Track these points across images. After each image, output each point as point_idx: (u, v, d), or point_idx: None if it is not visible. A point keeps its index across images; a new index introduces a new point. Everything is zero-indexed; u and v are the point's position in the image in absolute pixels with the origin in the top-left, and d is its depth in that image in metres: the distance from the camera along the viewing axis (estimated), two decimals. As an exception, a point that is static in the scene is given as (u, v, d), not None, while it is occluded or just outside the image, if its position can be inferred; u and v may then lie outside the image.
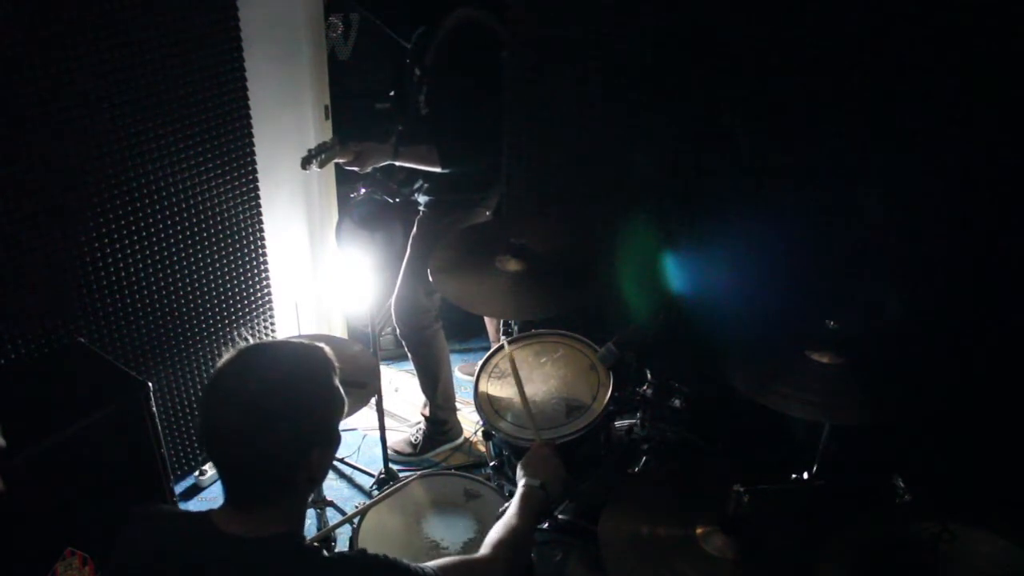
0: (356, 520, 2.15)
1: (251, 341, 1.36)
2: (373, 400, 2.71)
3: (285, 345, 1.40)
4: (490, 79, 2.73)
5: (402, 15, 2.86)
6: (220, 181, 2.90)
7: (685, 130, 2.49)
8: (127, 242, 2.65)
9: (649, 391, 2.34)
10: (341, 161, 2.77)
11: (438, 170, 2.77)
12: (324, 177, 3.42)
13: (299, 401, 1.30)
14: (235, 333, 3.09)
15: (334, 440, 1.38)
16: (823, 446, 2.11)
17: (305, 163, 2.67)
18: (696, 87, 2.42)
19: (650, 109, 2.51)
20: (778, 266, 2.42)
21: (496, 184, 2.95)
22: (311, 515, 2.77)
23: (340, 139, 2.75)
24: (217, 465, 1.35)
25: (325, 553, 1.36)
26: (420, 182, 2.94)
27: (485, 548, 1.61)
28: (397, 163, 2.80)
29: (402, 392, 3.61)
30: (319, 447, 1.33)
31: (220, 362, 1.31)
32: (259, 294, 3.19)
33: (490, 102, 2.76)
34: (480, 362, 2.47)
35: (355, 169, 2.79)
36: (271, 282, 3.21)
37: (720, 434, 2.43)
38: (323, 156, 2.68)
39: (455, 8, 2.71)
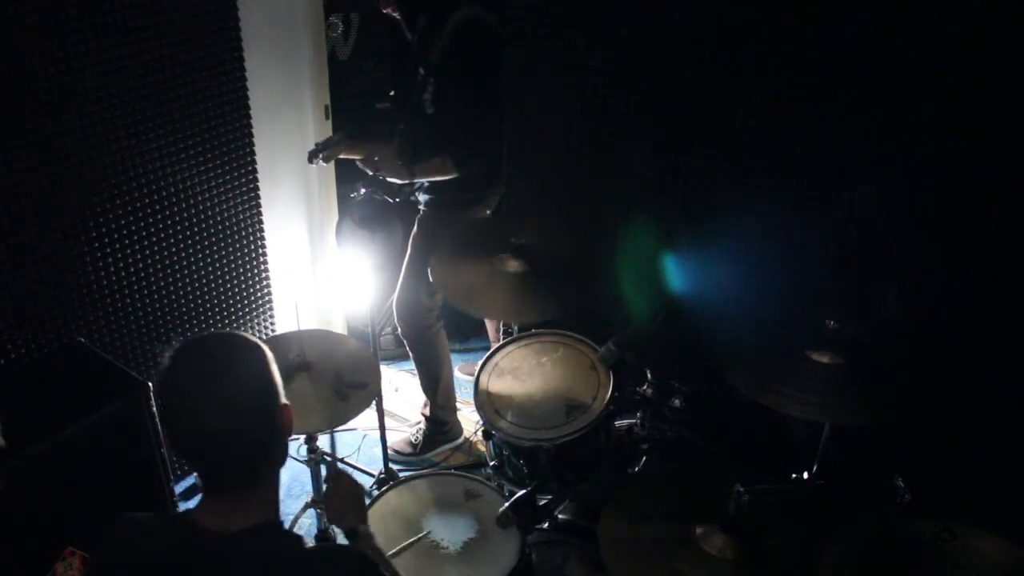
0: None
1: (174, 345, 1.37)
2: (373, 400, 2.71)
3: (209, 336, 1.47)
4: (497, 77, 2.73)
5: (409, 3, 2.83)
6: (220, 181, 2.90)
7: (685, 130, 2.49)
8: (127, 242, 2.65)
9: (649, 391, 2.34)
10: (353, 158, 2.77)
11: (454, 176, 2.77)
12: (324, 177, 3.42)
13: (254, 368, 1.34)
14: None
15: (282, 392, 1.40)
16: (823, 446, 2.11)
17: (312, 157, 2.68)
18: (696, 87, 2.42)
19: (650, 109, 2.51)
20: (778, 266, 2.42)
21: (497, 183, 2.95)
22: (310, 514, 2.77)
23: (346, 134, 2.75)
24: (196, 459, 1.36)
25: (306, 543, 1.40)
26: (421, 181, 2.94)
27: None
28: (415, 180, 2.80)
29: (402, 392, 3.61)
30: (279, 399, 1.36)
31: (166, 368, 1.33)
32: (259, 294, 3.19)
33: (497, 100, 2.76)
34: (480, 362, 2.47)
35: (363, 168, 2.80)
36: (271, 282, 3.21)
37: (720, 434, 2.43)
38: (328, 151, 2.68)
39: (460, 7, 2.70)
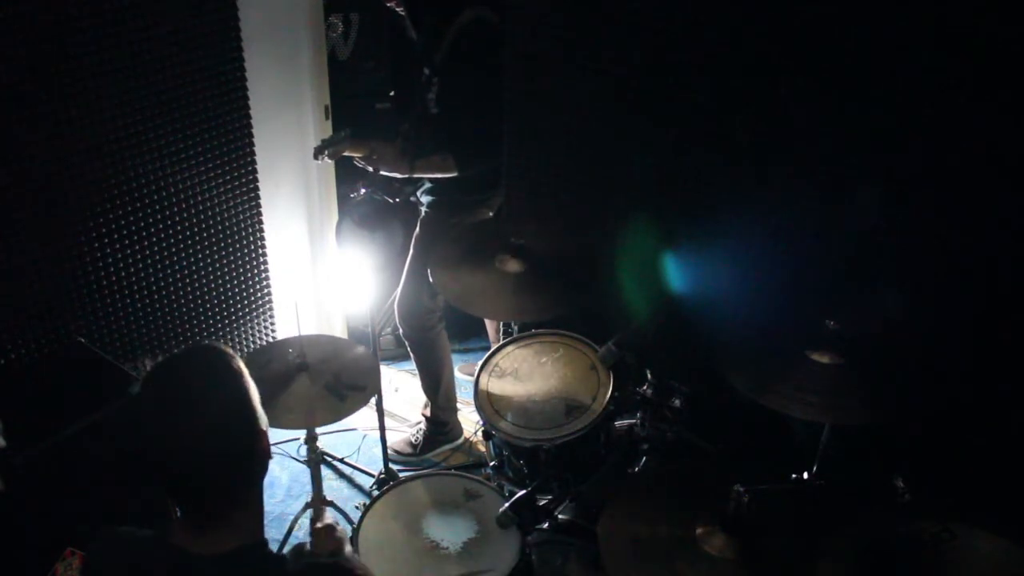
0: (357, 521, 2.16)
1: (150, 367, 1.33)
2: (373, 400, 2.71)
3: (187, 355, 1.41)
4: (501, 79, 2.73)
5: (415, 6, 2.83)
6: (220, 181, 2.90)
7: (685, 130, 2.49)
8: (127, 242, 2.65)
9: (649, 391, 2.34)
10: (354, 156, 2.77)
11: (453, 175, 2.77)
12: (324, 177, 3.42)
13: (232, 394, 1.30)
14: (226, 337, 3.08)
15: (261, 412, 1.37)
16: (823, 446, 2.11)
17: (317, 153, 2.69)
18: (697, 88, 2.42)
19: (650, 110, 2.51)
20: (778, 266, 2.42)
21: (499, 185, 2.95)
22: (308, 514, 2.78)
23: (351, 132, 2.75)
24: (182, 485, 1.31)
25: (291, 562, 1.37)
26: (423, 181, 2.94)
27: None
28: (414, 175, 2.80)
29: (402, 392, 3.61)
30: (258, 424, 1.33)
31: (140, 392, 1.29)
32: (259, 294, 3.19)
33: (500, 101, 2.75)
34: (480, 362, 2.47)
35: (363, 166, 2.80)
36: (271, 282, 3.21)
37: (720, 434, 2.43)
38: (333, 148, 2.68)
39: (465, 7, 2.70)
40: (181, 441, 1.25)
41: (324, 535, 1.61)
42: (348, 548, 1.62)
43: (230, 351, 1.37)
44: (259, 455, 1.33)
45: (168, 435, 1.26)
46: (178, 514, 1.34)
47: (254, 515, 1.38)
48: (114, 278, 2.64)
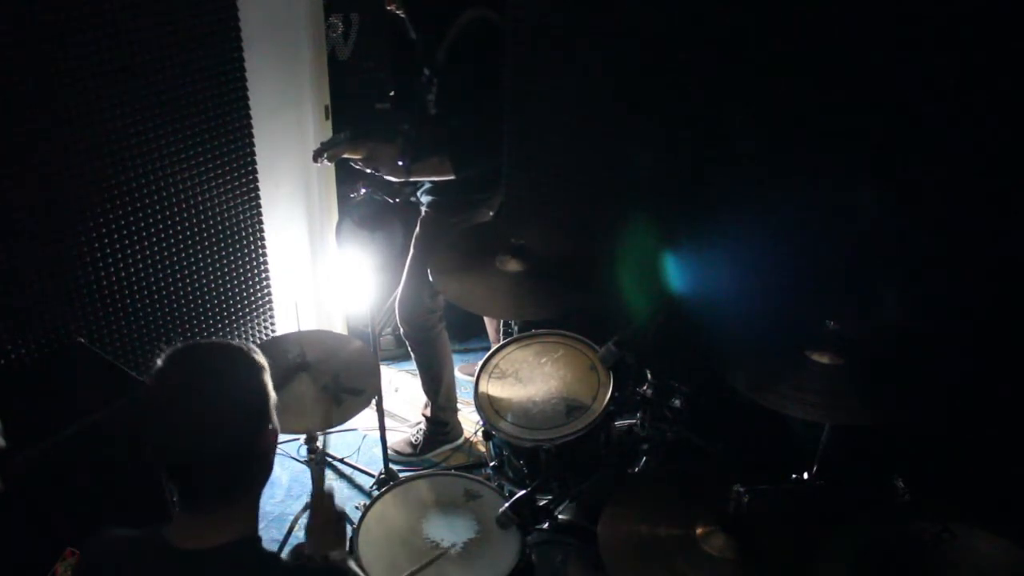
0: (357, 521, 2.16)
1: (168, 350, 1.33)
2: (373, 400, 2.71)
3: (206, 345, 1.42)
4: (501, 80, 2.73)
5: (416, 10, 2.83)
6: (220, 181, 2.90)
7: (685, 130, 2.49)
8: (127, 242, 2.65)
9: (649, 391, 2.34)
10: (353, 158, 2.77)
11: (451, 177, 2.77)
12: (324, 177, 3.42)
13: (246, 384, 1.32)
14: (232, 335, 3.08)
15: (272, 414, 1.37)
16: (823, 446, 2.11)
17: (316, 156, 2.69)
18: (697, 88, 2.42)
19: (650, 109, 2.51)
20: (778, 266, 2.42)
21: (499, 185, 2.95)
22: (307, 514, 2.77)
23: (350, 134, 2.75)
24: (180, 474, 1.32)
25: (285, 560, 1.39)
26: (423, 182, 2.94)
27: None
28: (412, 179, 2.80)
29: (402, 392, 3.61)
30: (269, 420, 1.34)
31: (155, 373, 1.30)
32: (259, 294, 3.19)
33: (500, 102, 2.75)
34: (480, 362, 2.47)
35: (361, 168, 2.81)
36: (271, 282, 3.21)
37: (720, 434, 2.43)
38: (332, 150, 2.69)
39: (466, 7, 2.70)
40: (192, 427, 1.26)
41: (323, 504, 1.61)
42: (344, 548, 1.62)
43: (250, 349, 1.37)
44: (265, 450, 1.34)
45: (176, 412, 1.26)
46: (177, 511, 1.34)
47: (250, 512, 1.38)
48: (114, 278, 2.64)
